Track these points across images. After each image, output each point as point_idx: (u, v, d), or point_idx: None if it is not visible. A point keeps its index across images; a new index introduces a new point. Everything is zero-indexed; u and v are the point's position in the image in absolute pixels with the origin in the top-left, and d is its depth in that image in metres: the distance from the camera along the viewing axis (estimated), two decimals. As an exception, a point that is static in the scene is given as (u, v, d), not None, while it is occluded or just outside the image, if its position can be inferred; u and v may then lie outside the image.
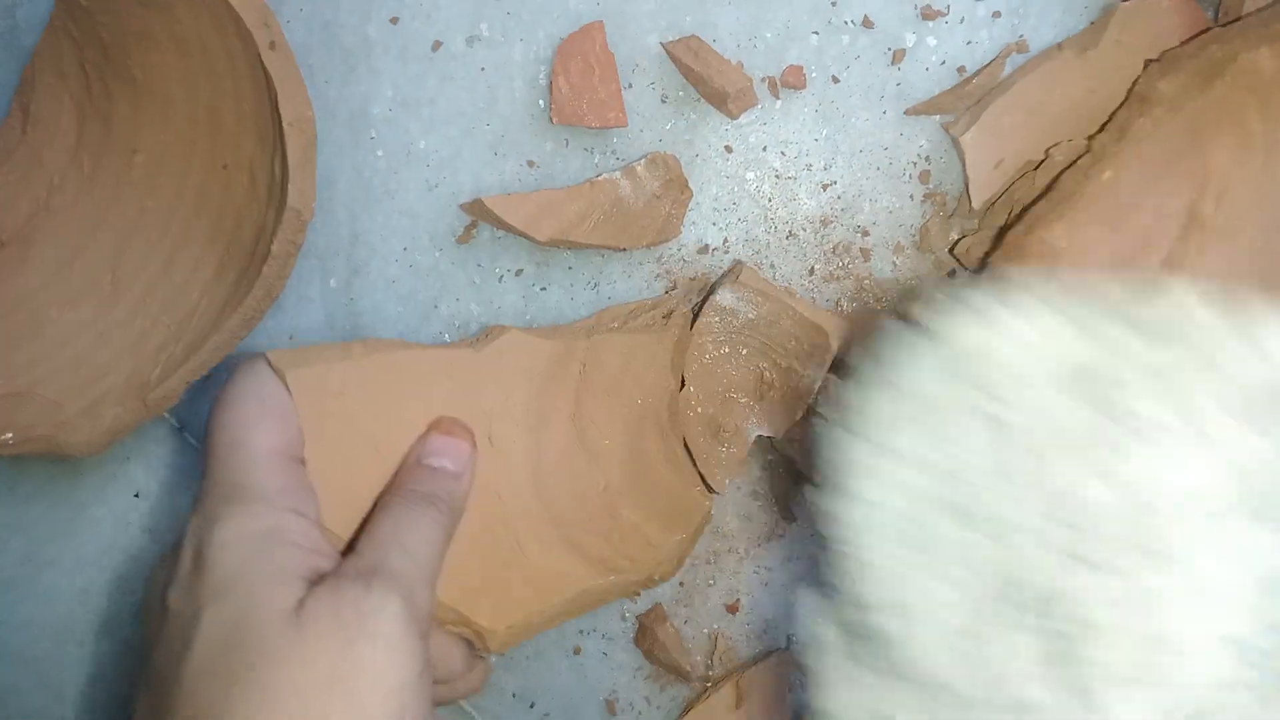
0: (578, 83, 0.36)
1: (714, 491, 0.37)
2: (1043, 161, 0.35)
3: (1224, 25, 0.34)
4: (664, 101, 0.37)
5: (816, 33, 0.36)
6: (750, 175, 0.37)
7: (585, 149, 0.37)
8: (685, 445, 0.37)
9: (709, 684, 0.38)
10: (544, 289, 0.38)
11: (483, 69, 0.37)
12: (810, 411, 0.36)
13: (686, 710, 0.38)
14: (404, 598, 0.27)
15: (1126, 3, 0.35)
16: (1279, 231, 0.33)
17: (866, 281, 0.37)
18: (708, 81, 0.36)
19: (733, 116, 0.37)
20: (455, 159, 0.37)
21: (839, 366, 0.36)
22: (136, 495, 0.40)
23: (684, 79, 0.37)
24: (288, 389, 0.30)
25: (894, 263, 0.37)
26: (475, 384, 0.33)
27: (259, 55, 0.34)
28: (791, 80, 0.36)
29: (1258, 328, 0.26)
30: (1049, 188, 0.34)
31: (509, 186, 0.37)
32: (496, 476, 0.33)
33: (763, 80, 0.37)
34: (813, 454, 0.34)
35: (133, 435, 0.39)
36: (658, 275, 0.38)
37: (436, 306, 0.38)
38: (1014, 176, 0.35)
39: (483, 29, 0.37)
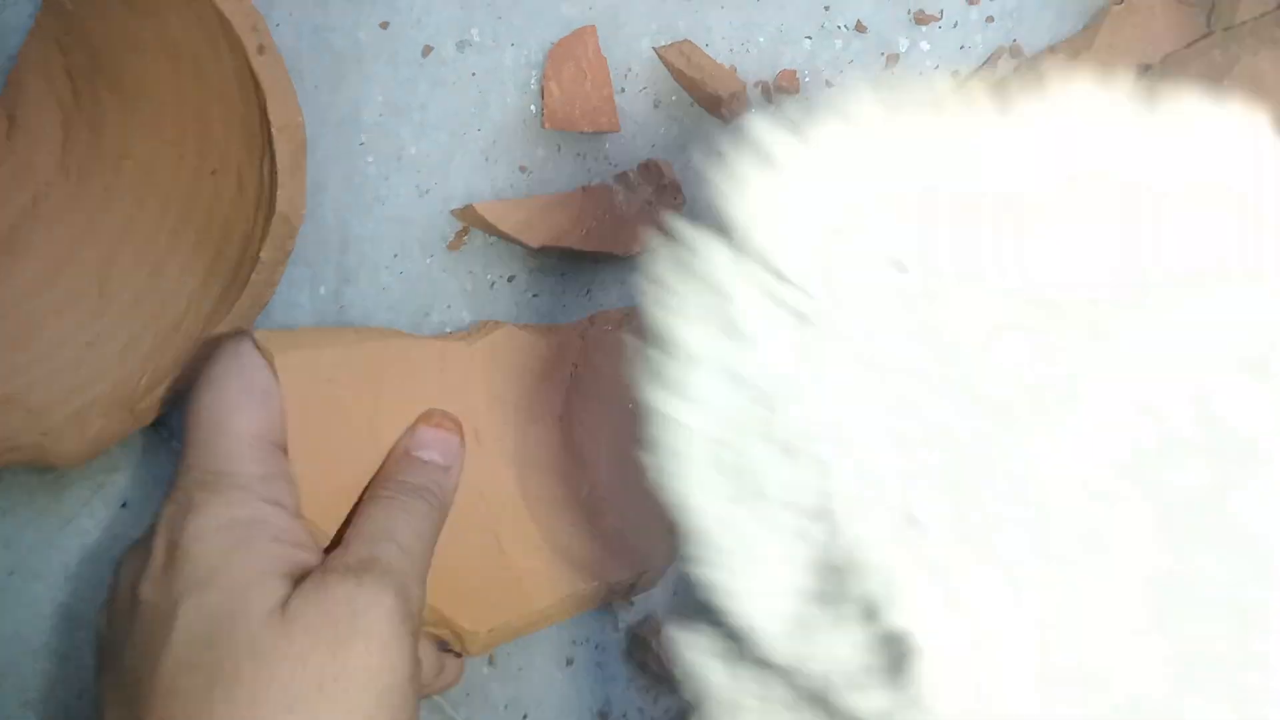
0: (570, 88, 0.36)
1: None
2: None
3: (1225, 30, 0.34)
4: (657, 106, 0.37)
5: (810, 37, 0.36)
6: (744, 180, 0.37)
7: (577, 154, 0.37)
8: None
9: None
10: (536, 296, 0.37)
11: (474, 74, 0.37)
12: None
13: (681, 721, 0.38)
14: (397, 593, 0.26)
15: (1119, 6, 0.35)
16: None
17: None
18: (701, 86, 0.35)
19: (726, 121, 0.37)
20: (446, 165, 0.37)
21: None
22: (124, 506, 0.39)
23: (677, 84, 0.37)
24: (273, 371, 0.29)
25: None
26: (466, 378, 0.32)
27: (248, 60, 0.33)
28: (785, 85, 0.36)
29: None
30: None
31: (501, 192, 0.37)
32: (481, 474, 0.32)
33: (756, 85, 0.36)
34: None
35: (120, 445, 0.38)
36: (651, 281, 0.37)
37: (428, 314, 0.38)
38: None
39: (474, 34, 0.37)
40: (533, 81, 0.37)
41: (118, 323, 0.37)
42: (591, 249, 0.36)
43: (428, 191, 0.37)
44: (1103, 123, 0.22)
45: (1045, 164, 0.22)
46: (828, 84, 0.36)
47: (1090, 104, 0.22)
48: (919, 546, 0.20)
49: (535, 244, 0.35)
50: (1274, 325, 0.21)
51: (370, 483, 0.30)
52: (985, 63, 0.36)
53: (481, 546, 0.33)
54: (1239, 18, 0.35)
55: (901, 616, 0.20)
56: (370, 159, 0.37)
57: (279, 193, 0.34)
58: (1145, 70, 0.35)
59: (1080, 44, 0.35)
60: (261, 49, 0.34)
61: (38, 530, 0.40)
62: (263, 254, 0.34)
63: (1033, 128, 0.22)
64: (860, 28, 0.36)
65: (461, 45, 0.37)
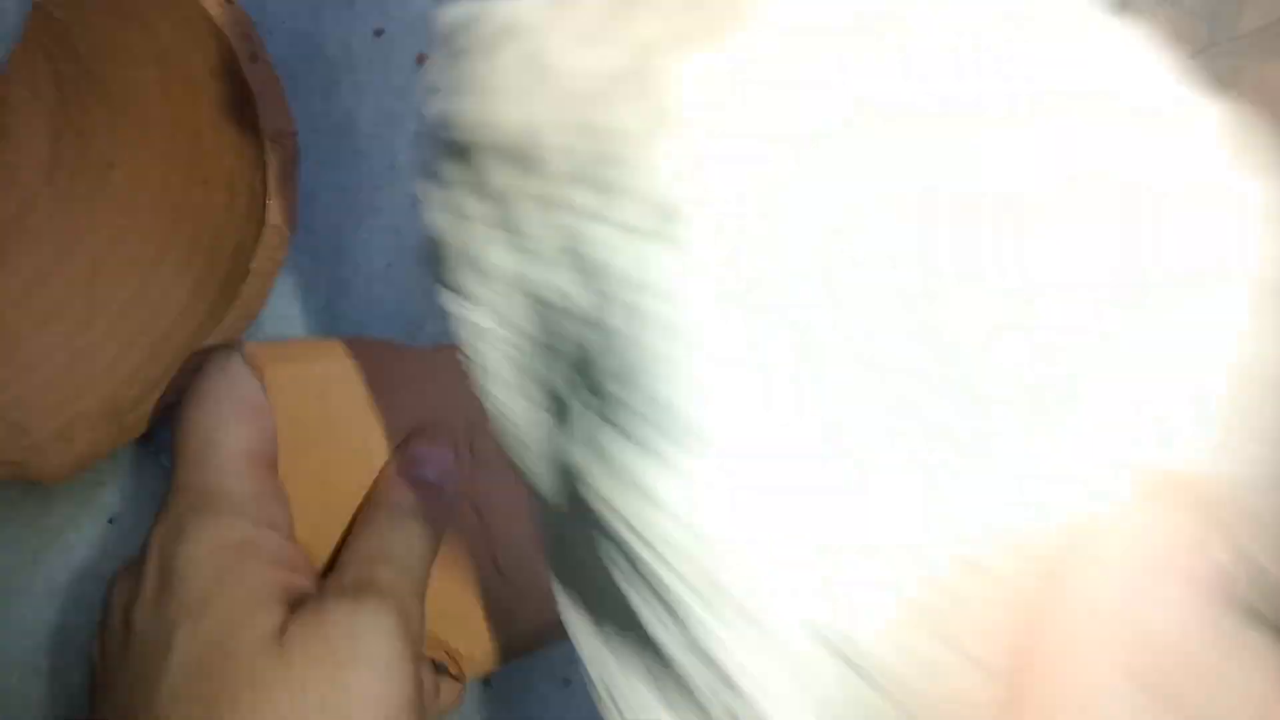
0: (567, 96, 0.35)
1: None
2: None
3: (1229, 40, 0.34)
4: (655, 116, 0.36)
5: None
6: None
7: (575, 164, 0.36)
8: None
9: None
10: (532, 307, 0.37)
11: (469, 82, 0.36)
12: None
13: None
14: (397, 614, 0.26)
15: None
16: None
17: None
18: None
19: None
20: (441, 174, 0.36)
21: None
22: (111, 521, 0.39)
23: (676, 93, 0.36)
24: (264, 386, 0.29)
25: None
26: (461, 390, 0.32)
27: (239, 68, 0.33)
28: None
29: None
30: None
31: (496, 202, 0.36)
32: (476, 489, 0.32)
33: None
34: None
35: (107, 459, 0.37)
36: (649, 293, 0.37)
37: (422, 325, 0.37)
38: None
39: (470, 41, 0.36)
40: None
41: (105, 335, 0.37)
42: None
43: (422, 201, 0.37)
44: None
45: (1045, 163, 0.22)
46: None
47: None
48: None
49: (532, 255, 0.35)
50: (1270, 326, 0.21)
51: (363, 502, 0.30)
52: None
53: (475, 565, 0.32)
54: (1243, 27, 0.35)
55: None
56: (364, 168, 0.37)
57: (270, 203, 0.34)
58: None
59: None
60: (253, 57, 0.33)
61: (23, 546, 0.39)
62: (254, 265, 0.34)
63: (1032, 127, 0.22)
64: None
65: (457, 53, 0.36)
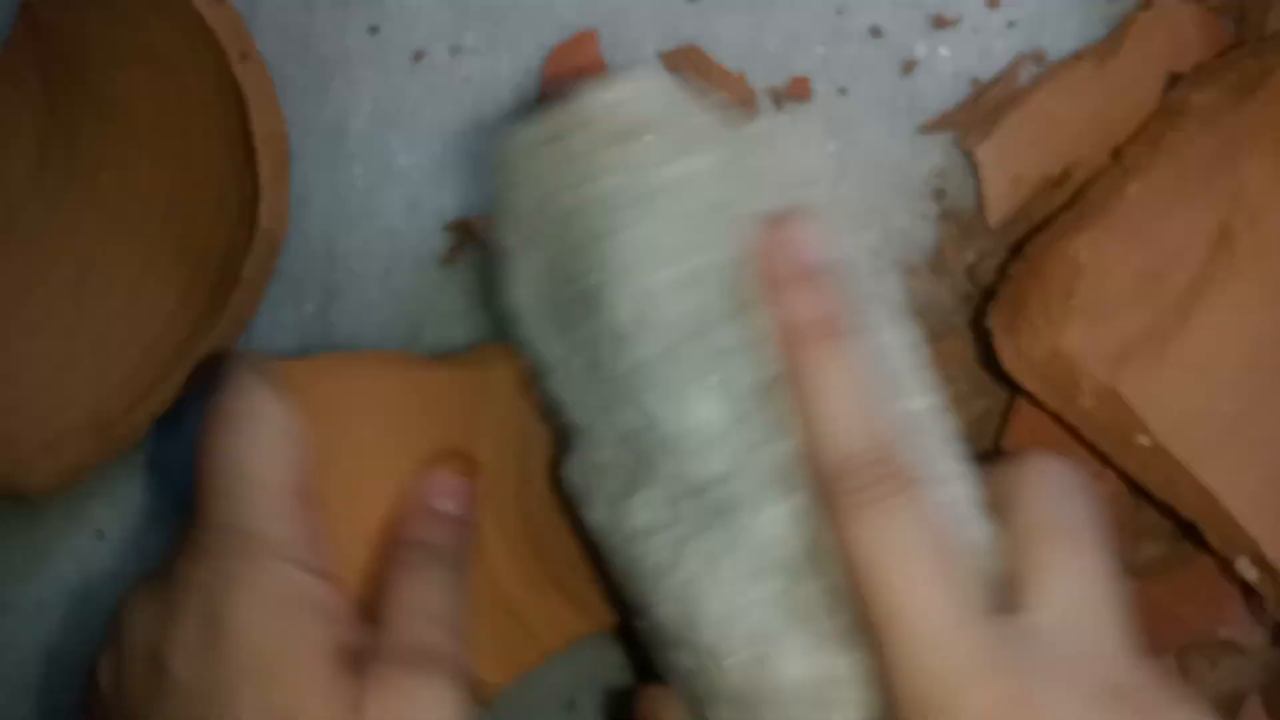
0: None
1: None
2: (1063, 178, 0.34)
3: (1259, 40, 0.33)
4: (661, 115, 0.35)
5: (823, 43, 0.35)
6: (753, 193, 0.36)
7: (577, 166, 0.35)
8: None
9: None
10: (534, 314, 0.36)
11: (468, 81, 0.36)
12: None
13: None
14: (456, 685, 0.26)
15: (1145, 13, 0.34)
16: (1317, 253, 0.32)
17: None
18: (707, 94, 0.34)
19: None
20: (439, 176, 0.36)
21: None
22: (100, 536, 0.38)
23: (682, 91, 0.35)
24: (298, 408, 0.27)
25: (908, 286, 0.35)
26: (475, 408, 0.31)
27: (229, 68, 0.33)
28: (796, 92, 0.35)
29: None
30: (1071, 200, 0.33)
31: (496, 206, 0.36)
32: (486, 509, 0.31)
33: (766, 92, 0.35)
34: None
35: (95, 472, 0.37)
36: (655, 300, 0.36)
37: (419, 333, 0.36)
38: (1032, 193, 0.34)
39: (467, 39, 0.35)
40: (530, 88, 0.35)
41: (93, 344, 0.36)
42: (592, 266, 0.34)
43: (419, 204, 0.36)
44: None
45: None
46: (841, 92, 0.35)
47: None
48: None
49: (532, 260, 0.34)
50: None
51: (392, 537, 0.29)
52: (1007, 70, 0.34)
53: (490, 588, 0.31)
54: (1271, 26, 0.34)
55: None
56: (358, 170, 0.36)
57: (261, 206, 0.33)
58: (1175, 80, 0.34)
59: (1106, 51, 0.34)
60: (244, 56, 0.33)
61: (9, 562, 0.38)
62: (245, 271, 0.33)
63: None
64: (876, 33, 0.35)
65: (455, 50, 0.36)
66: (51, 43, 0.35)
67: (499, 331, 0.36)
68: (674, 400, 0.26)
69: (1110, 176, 0.32)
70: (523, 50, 0.35)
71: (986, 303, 0.33)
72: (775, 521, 0.26)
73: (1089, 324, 0.31)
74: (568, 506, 0.32)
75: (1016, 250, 0.33)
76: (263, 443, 0.27)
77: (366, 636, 0.27)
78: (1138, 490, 0.32)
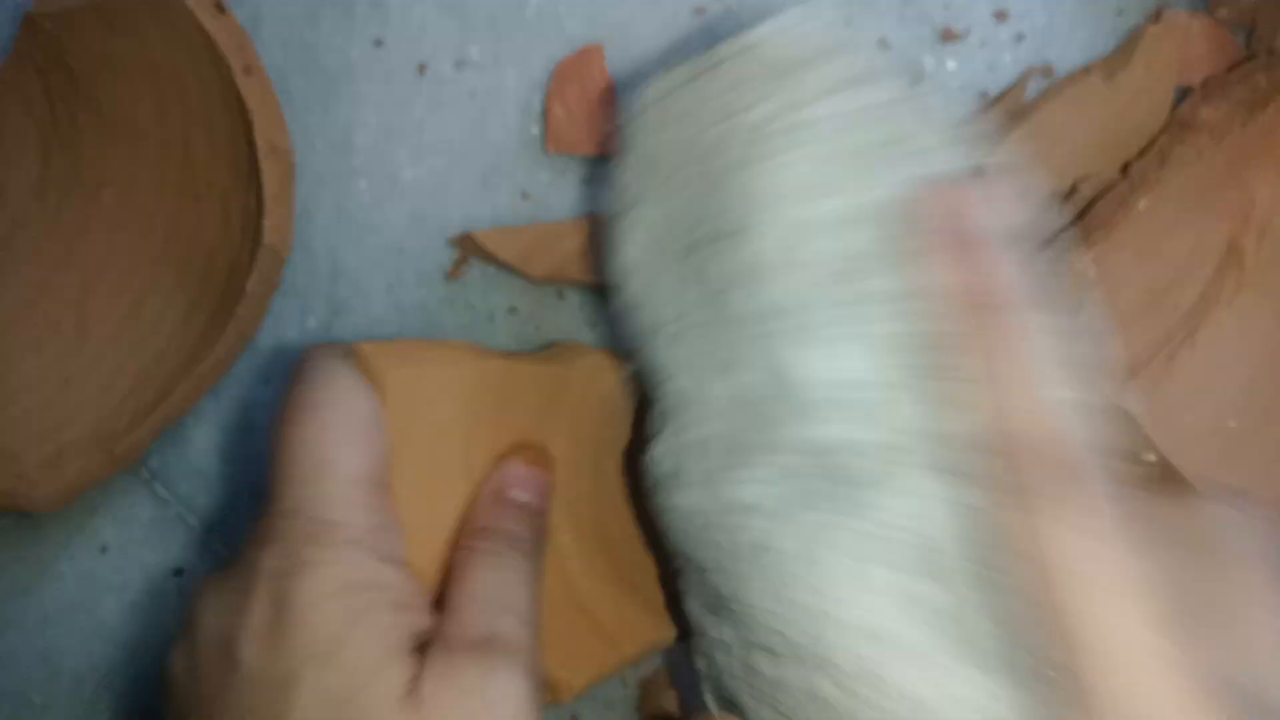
0: (575, 109, 0.34)
1: None
2: (1071, 193, 0.33)
3: (1269, 54, 0.33)
4: (666, 129, 0.35)
5: (829, 56, 0.35)
6: (759, 207, 0.35)
7: (583, 180, 0.35)
8: None
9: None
10: (538, 329, 0.36)
11: (473, 94, 0.35)
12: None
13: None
14: (526, 675, 0.25)
15: (1154, 26, 0.33)
16: (1326, 269, 0.32)
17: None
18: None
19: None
20: (443, 190, 0.35)
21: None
22: (103, 551, 0.38)
23: (688, 105, 0.35)
24: (378, 394, 0.27)
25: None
26: (550, 404, 0.31)
27: (233, 80, 0.32)
28: (802, 106, 0.35)
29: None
30: (1080, 215, 0.32)
31: (501, 220, 0.35)
32: (560, 510, 0.31)
33: (772, 106, 0.35)
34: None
35: (98, 487, 0.37)
36: (660, 314, 0.36)
37: (424, 348, 0.36)
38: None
39: (473, 52, 0.35)
40: (536, 102, 0.35)
41: (96, 359, 0.36)
42: (597, 281, 0.34)
43: (424, 219, 0.35)
44: None
45: None
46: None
47: None
48: None
49: (537, 274, 0.34)
50: None
51: (465, 524, 0.28)
52: (1015, 84, 0.34)
53: (556, 584, 0.31)
54: (1278, 41, 0.34)
55: None
56: (363, 184, 0.36)
57: (266, 220, 0.33)
58: (1185, 94, 0.33)
59: (1116, 65, 0.33)
60: (248, 69, 0.33)
61: (12, 577, 0.38)
62: (249, 285, 0.33)
63: None
64: (883, 45, 0.34)
65: (460, 64, 0.35)
66: (54, 56, 0.35)
67: (504, 346, 0.36)
68: (812, 347, 0.23)
69: (1119, 191, 0.32)
70: (528, 64, 0.35)
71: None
72: (924, 506, 0.22)
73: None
74: (642, 509, 0.31)
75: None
76: (345, 433, 0.26)
77: (437, 624, 0.26)
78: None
